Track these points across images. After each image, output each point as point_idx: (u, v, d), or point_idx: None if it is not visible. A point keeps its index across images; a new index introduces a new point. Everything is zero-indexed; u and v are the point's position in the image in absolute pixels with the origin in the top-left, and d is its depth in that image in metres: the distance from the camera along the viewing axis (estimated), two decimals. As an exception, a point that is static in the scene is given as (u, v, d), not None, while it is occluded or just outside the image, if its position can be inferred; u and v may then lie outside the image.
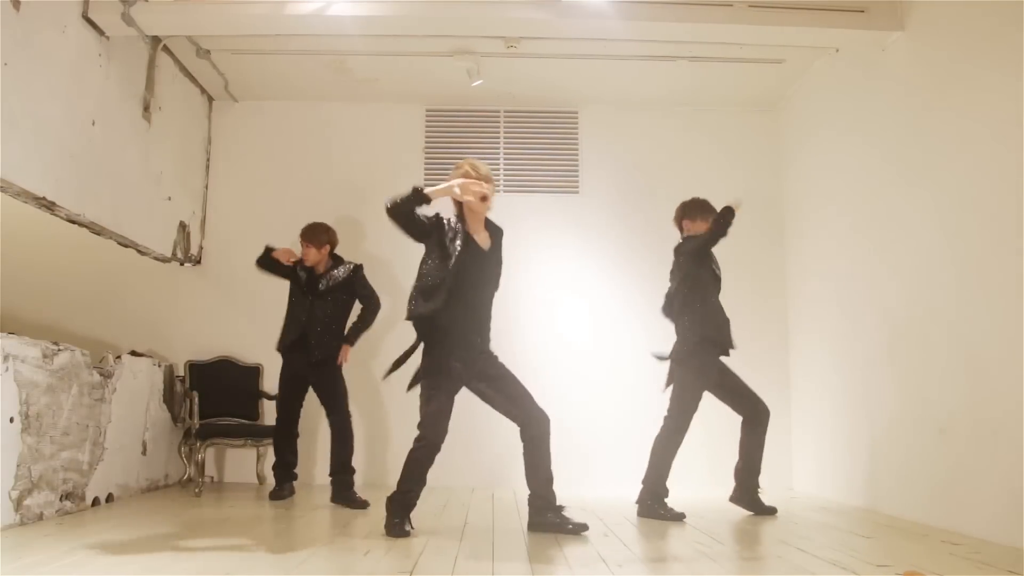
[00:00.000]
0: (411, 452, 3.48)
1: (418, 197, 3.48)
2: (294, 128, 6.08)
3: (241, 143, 6.05)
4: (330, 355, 4.68)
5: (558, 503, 3.59)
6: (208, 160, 6.01)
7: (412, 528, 3.51)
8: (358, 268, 4.85)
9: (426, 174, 6.03)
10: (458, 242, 3.53)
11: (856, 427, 4.78)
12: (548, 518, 3.54)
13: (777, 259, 5.91)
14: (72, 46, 4.22)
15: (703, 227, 4.30)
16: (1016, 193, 3.37)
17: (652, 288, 5.85)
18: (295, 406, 4.79)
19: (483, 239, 3.62)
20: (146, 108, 5.00)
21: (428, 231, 3.55)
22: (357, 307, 4.89)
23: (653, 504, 4.18)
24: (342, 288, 4.78)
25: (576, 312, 5.88)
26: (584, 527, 3.49)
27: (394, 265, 5.85)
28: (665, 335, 5.74)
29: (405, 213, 3.48)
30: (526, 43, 4.96)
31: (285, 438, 4.81)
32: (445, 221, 3.62)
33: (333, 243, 4.87)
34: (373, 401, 5.61)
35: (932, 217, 4.04)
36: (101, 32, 4.45)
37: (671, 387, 4.33)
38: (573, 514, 3.60)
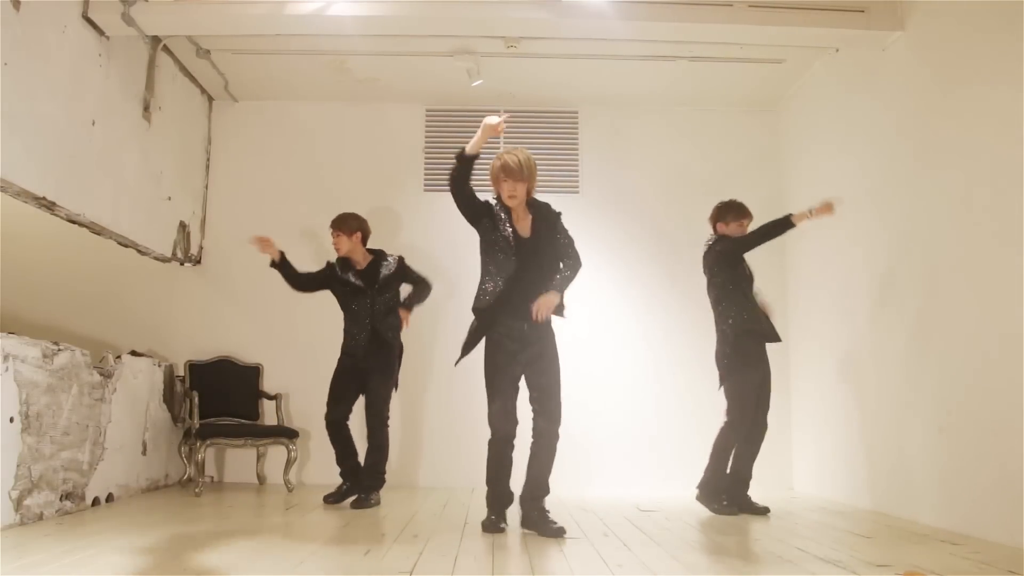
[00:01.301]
0: (488, 450, 3.65)
1: (463, 158, 3.56)
2: (294, 128, 6.08)
3: (241, 143, 6.05)
4: (394, 349, 4.63)
5: (543, 506, 3.59)
6: (208, 160, 6.01)
7: (504, 525, 3.61)
8: (403, 259, 4.75)
9: (426, 174, 6.03)
10: (506, 230, 3.62)
11: (856, 427, 4.78)
12: (532, 516, 3.56)
13: (777, 258, 5.90)
14: (72, 46, 4.22)
15: (735, 229, 4.40)
16: (1017, 192, 3.37)
17: (651, 288, 5.88)
18: (354, 399, 4.67)
19: (523, 227, 3.68)
20: (146, 108, 5.00)
21: (481, 212, 3.63)
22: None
23: (707, 495, 4.29)
24: (396, 280, 4.70)
25: (576, 312, 5.86)
26: (562, 531, 3.47)
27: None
28: (664, 336, 5.78)
29: (460, 183, 3.59)
30: (526, 43, 4.96)
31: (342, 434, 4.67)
32: (495, 207, 3.68)
33: (365, 232, 4.72)
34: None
35: (932, 217, 4.04)
36: (101, 32, 4.46)
37: (724, 387, 4.37)
38: (555, 517, 3.59)
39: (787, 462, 5.67)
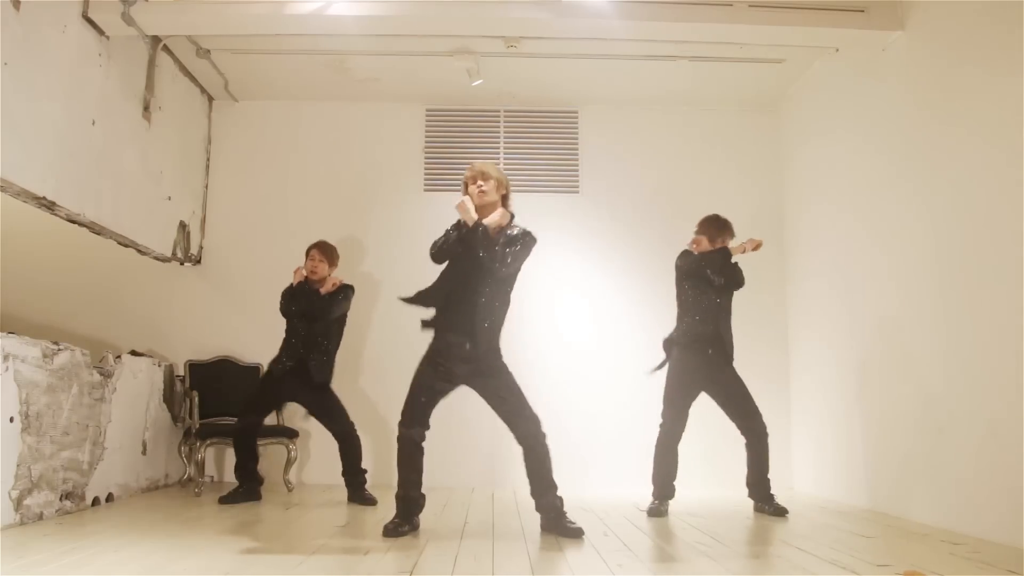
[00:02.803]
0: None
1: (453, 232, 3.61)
2: (294, 128, 6.08)
3: (241, 143, 6.05)
4: (327, 380, 4.73)
5: (559, 507, 3.58)
6: (208, 160, 6.01)
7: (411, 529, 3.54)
8: (347, 288, 4.81)
9: (426, 174, 6.03)
10: (452, 243, 3.60)
11: (856, 427, 4.78)
12: (549, 518, 3.56)
13: (776, 259, 5.90)
14: (72, 46, 4.22)
15: (706, 246, 4.40)
16: (1016, 192, 3.37)
17: (652, 287, 5.87)
18: (268, 412, 4.84)
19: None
20: (146, 108, 5.00)
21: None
22: (351, 325, 4.96)
23: (654, 502, 4.29)
24: (331, 306, 4.75)
25: (576, 312, 5.88)
26: (580, 532, 3.48)
27: (398, 264, 5.85)
28: (664, 335, 5.76)
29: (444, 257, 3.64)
30: (526, 43, 4.96)
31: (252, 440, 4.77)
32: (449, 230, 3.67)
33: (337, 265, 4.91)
34: (383, 403, 5.61)
35: (932, 216, 4.04)
36: (101, 32, 4.46)
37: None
38: (572, 518, 3.59)
39: (787, 461, 5.66)
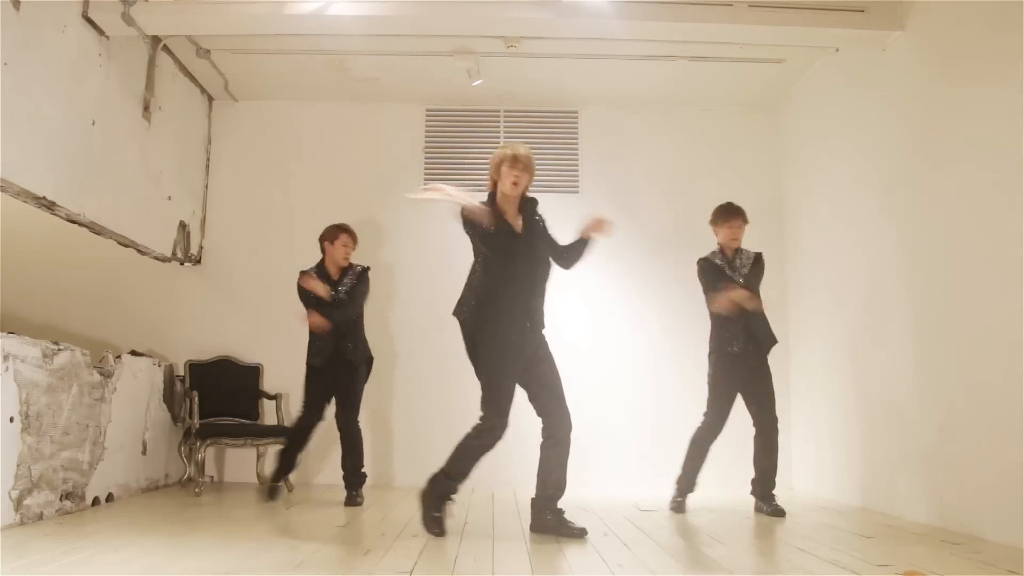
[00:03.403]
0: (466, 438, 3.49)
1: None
2: (294, 128, 6.08)
3: (241, 143, 6.05)
4: (364, 358, 4.68)
5: (559, 507, 3.57)
6: (208, 160, 6.01)
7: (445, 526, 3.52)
8: (367, 270, 4.76)
9: (426, 174, 6.03)
10: (492, 230, 3.52)
11: (855, 426, 4.78)
12: (548, 520, 3.54)
13: (777, 259, 5.90)
14: (72, 46, 4.22)
15: (724, 233, 4.45)
16: (1016, 191, 3.37)
17: (652, 287, 5.88)
18: (325, 406, 4.70)
19: (517, 224, 3.60)
20: (146, 108, 5.00)
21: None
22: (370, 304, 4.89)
23: (677, 498, 4.39)
24: (356, 291, 4.72)
25: (576, 312, 5.88)
26: (584, 532, 3.47)
27: (396, 265, 5.86)
28: (664, 335, 5.78)
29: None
30: (526, 43, 4.96)
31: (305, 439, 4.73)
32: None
33: None
34: (382, 403, 5.61)
35: (932, 216, 4.04)
36: (101, 32, 4.46)
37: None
38: (573, 518, 3.58)
39: (787, 461, 5.63)
